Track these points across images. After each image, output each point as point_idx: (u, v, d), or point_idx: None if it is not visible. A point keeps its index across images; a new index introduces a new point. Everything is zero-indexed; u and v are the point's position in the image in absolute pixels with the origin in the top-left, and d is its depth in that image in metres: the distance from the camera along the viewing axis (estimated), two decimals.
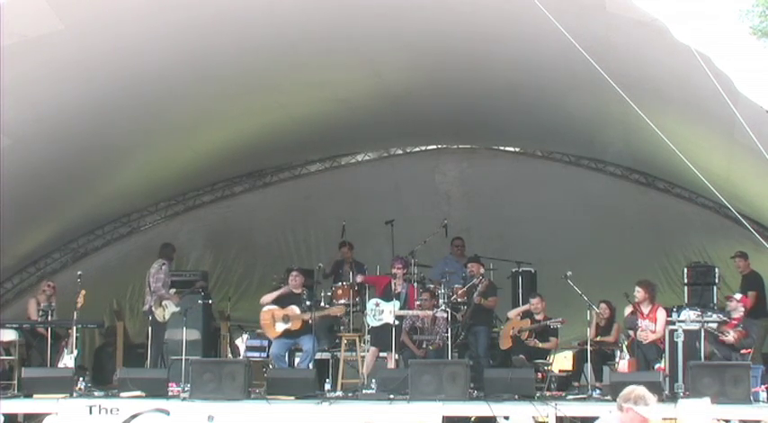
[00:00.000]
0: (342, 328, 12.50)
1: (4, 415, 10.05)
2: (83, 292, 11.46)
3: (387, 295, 11.92)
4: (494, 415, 9.80)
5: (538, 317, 12.16)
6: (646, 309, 11.16)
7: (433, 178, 16.11)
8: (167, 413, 9.79)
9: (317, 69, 11.14)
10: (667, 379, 10.42)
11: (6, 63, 8.89)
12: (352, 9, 9.73)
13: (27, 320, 12.46)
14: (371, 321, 11.70)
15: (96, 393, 10.85)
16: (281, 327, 11.51)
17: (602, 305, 12.47)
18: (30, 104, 10.15)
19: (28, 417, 10.85)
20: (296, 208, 16.08)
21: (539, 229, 15.65)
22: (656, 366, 10.81)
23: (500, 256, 13.79)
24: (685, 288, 13.63)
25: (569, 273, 11.53)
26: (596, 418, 10.15)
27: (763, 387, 10.30)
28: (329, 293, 12.57)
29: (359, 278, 12.59)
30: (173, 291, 11.88)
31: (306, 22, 9.82)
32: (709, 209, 14.90)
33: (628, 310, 11.37)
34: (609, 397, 10.21)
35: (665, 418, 9.30)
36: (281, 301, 11.61)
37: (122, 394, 10.34)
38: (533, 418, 9.92)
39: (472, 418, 10.70)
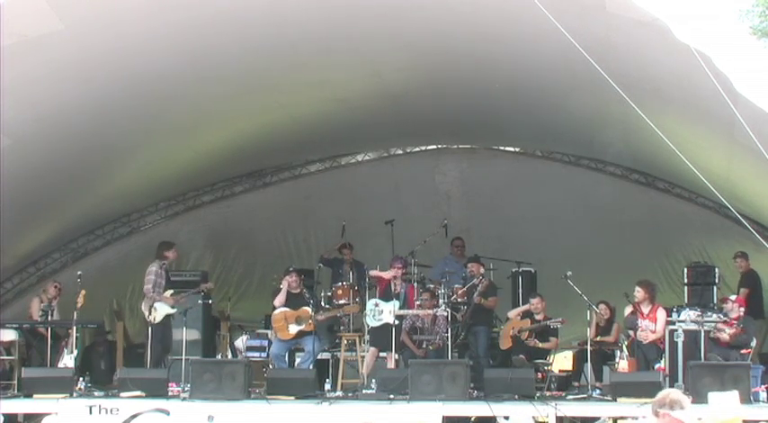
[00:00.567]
0: (342, 328, 12.50)
1: (4, 415, 10.05)
2: (83, 292, 11.46)
3: (386, 295, 11.92)
4: (494, 415, 9.80)
5: (538, 317, 12.16)
6: (646, 309, 11.16)
7: (433, 178, 16.11)
8: (167, 413, 9.79)
9: (317, 69, 11.14)
10: (667, 379, 10.42)
11: (6, 63, 8.89)
12: (352, 9, 9.73)
13: (27, 320, 12.46)
14: (371, 322, 11.70)
15: (96, 393, 10.84)
16: (294, 328, 11.54)
17: (602, 305, 12.48)
18: (30, 104, 10.15)
19: (28, 417, 10.85)
20: (296, 208, 16.08)
21: (539, 229, 15.66)
22: (656, 366, 10.81)
23: (500, 256, 13.79)
24: (685, 288, 13.64)
25: (569, 273, 11.53)
26: (597, 418, 10.24)
27: (763, 387, 10.30)
28: (329, 293, 12.58)
29: (372, 273, 12.50)
30: (170, 292, 11.79)
31: (306, 22, 9.81)
32: (709, 209, 14.90)
33: (628, 310, 11.37)
34: (609, 397, 10.22)
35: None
36: (291, 303, 11.62)
37: (122, 394, 10.33)
38: (533, 418, 9.92)
39: (472, 418, 10.70)
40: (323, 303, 12.31)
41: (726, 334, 10.77)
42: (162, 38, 9.78)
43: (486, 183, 15.90)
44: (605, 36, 9.09)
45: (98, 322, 12.99)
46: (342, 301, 12.15)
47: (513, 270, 13.85)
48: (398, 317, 11.52)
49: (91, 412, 9.94)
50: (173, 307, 11.71)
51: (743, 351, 10.83)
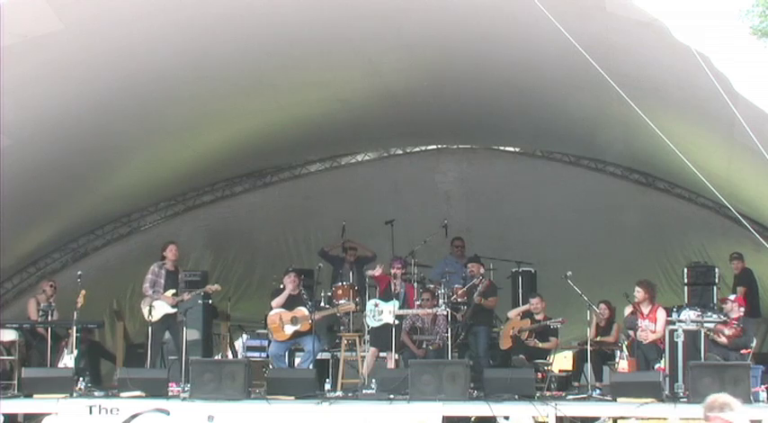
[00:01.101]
0: (342, 328, 12.51)
1: (4, 415, 10.04)
2: (83, 292, 11.45)
3: (386, 295, 11.92)
4: (494, 415, 9.79)
5: (538, 317, 12.16)
6: (646, 309, 11.16)
7: (433, 178, 16.11)
8: (167, 413, 9.78)
9: (317, 69, 11.15)
10: (667, 379, 10.42)
11: (6, 63, 8.89)
12: (351, 9, 9.73)
13: (27, 320, 12.45)
14: (371, 322, 11.70)
15: (96, 393, 10.84)
16: (289, 329, 11.53)
17: (602, 305, 12.47)
18: (30, 104, 10.15)
19: (28, 417, 10.84)
20: (296, 208, 16.08)
21: (539, 229, 15.66)
22: (656, 366, 10.80)
23: (500, 256, 13.80)
24: (685, 288, 13.64)
25: (569, 273, 11.53)
26: (597, 418, 10.24)
27: (763, 387, 10.29)
28: (329, 293, 12.58)
29: (371, 272, 12.49)
30: (171, 291, 11.78)
31: (306, 23, 9.81)
32: (709, 209, 14.91)
33: (628, 310, 11.37)
34: (609, 397, 10.22)
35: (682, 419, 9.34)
36: (287, 304, 11.62)
37: (122, 394, 10.32)
38: (533, 418, 9.92)
39: (472, 418, 10.70)
40: (323, 303, 12.30)
41: (724, 338, 10.77)
42: (162, 38, 9.78)
43: (486, 183, 15.90)
44: (605, 36, 9.09)
45: (98, 322, 12.97)
46: (342, 301, 12.15)
47: (513, 270, 13.86)
48: (398, 317, 11.52)
49: (91, 412, 9.93)
50: (173, 307, 11.70)
51: (743, 351, 10.82)
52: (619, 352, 11.29)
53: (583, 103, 11.65)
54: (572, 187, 15.59)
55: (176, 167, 14.03)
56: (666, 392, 10.09)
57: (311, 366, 11.37)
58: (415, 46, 10.63)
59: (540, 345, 12.00)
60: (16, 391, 10.94)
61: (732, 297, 11.50)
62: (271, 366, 12.12)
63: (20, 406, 10.47)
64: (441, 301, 11.62)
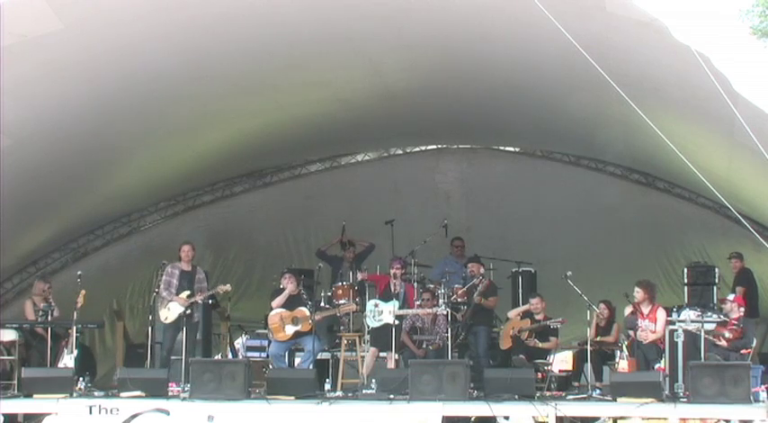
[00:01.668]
0: (342, 328, 12.51)
1: (4, 415, 10.04)
2: (83, 292, 11.45)
3: (386, 295, 11.92)
4: (494, 415, 9.80)
5: (538, 317, 12.16)
6: (646, 309, 11.16)
7: (433, 178, 16.12)
8: (167, 413, 9.78)
9: (317, 69, 11.15)
10: (667, 379, 10.43)
11: (6, 63, 8.89)
12: (352, 9, 9.73)
13: (27, 320, 12.44)
14: (371, 322, 11.70)
15: (96, 393, 10.84)
16: (290, 329, 11.53)
17: (602, 305, 12.47)
18: (30, 104, 10.15)
19: (28, 417, 10.83)
20: (296, 208, 16.09)
21: (539, 229, 15.67)
22: (656, 366, 10.81)
23: (500, 256, 13.81)
24: (685, 288, 13.64)
25: (569, 273, 11.53)
26: (597, 418, 10.24)
27: (763, 387, 10.28)
28: (329, 293, 12.58)
29: (359, 276, 12.56)
30: (186, 293, 11.75)
31: (306, 23, 9.81)
32: (709, 209, 14.92)
33: (628, 310, 11.37)
34: (609, 397, 10.22)
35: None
36: (288, 304, 11.62)
37: (122, 394, 10.32)
38: (533, 418, 9.93)
39: (472, 418, 10.69)
40: (323, 304, 12.30)
41: (724, 341, 10.76)
42: (162, 38, 9.78)
43: (486, 183, 15.91)
44: (605, 36, 9.09)
45: (98, 322, 12.97)
46: (342, 302, 12.15)
47: (513, 270, 13.87)
48: (398, 317, 11.52)
49: (91, 412, 9.92)
50: (186, 308, 11.67)
51: (743, 351, 10.82)
52: (619, 352, 11.29)
53: (583, 103, 11.65)
54: (572, 187, 15.60)
55: (176, 167, 14.03)
56: (666, 392, 10.09)
57: (311, 366, 11.37)
58: (416, 46, 10.63)
59: (540, 345, 12.00)
60: (16, 391, 10.94)
61: (731, 297, 11.48)
62: (271, 366, 12.12)
63: (20, 406, 10.46)
64: (441, 301, 11.62)
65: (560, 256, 14.90)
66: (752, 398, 9.71)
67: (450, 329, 11.39)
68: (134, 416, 9.73)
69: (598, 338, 12.29)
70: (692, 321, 10.74)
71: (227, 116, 12.40)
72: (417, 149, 16.18)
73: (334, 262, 13.65)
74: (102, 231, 15.21)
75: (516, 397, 10.14)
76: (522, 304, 12.87)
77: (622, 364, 10.86)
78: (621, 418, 10.45)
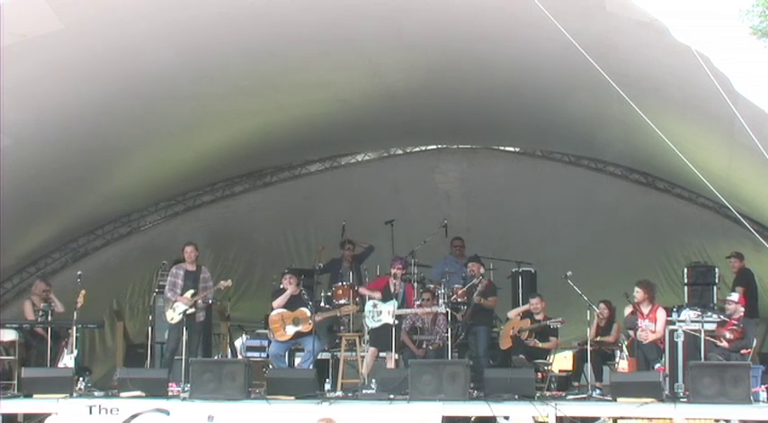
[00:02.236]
0: (342, 328, 12.50)
1: (3, 415, 10.05)
2: (83, 292, 11.45)
3: (385, 295, 11.91)
4: (494, 415, 9.80)
5: (538, 317, 12.15)
6: (646, 309, 11.16)
7: (433, 178, 16.11)
8: (167, 413, 9.78)
9: (317, 70, 11.15)
10: (667, 379, 10.43)
11: (6, 63, 8.89)
12: (352, 9, 9.73)
13: (27, 320, 12.45)
14: (370, 323, 11.71)
15: (96, 393, 10.84)
16: (291, 330, 11.53)
17: (602, 305, 12.47)
18: (30, 104, 10.15)
19: (28, 417, 10.84)
20: (296, 208, 16.08)
21: (539, 229, 15.67)
22: (656, 366, 10.81)
23: (500, 256, 13.81)
24: (685, 288, 13.64)
25: (569, 273, 11.53)
26: (597, 418, 10.24)
27: (763, 387, 10.29)
28: (329, 293, 12.58)
29: (361, 290, 12.47)
30: (190, 292, 11.74)
31: (306, 23, 9.82)
32: (710, 209, 14.91)
33: (628, 310, 11.37)
34: (609, 397, 10.22)
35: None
36: (289, 304, 11.62)
37: (122, 394, 10.32)
38: (533, 418, 9.92)
39: (472, 418, 10.69)
40: (323, 304, 12.30)
41: (725, 342, 10.77)
42: (162, 38, 9.79)
43: (486, 183, 15.90)
44: (605, 36, 9.09)
45: (98, 322, 12.97)
46: (342, 302, 12.15)
47: (513, 270, 13.86)
48: (398, 317, 11.52)
49: (91, 412, 9.93)
50: (190, 307, 11.66)
51: (743, 351, 10.82)
52: (619, 352, 11.29)
53: (583, 103, 11.65)
54: (572, 187, 15.59)
55: (176, 167, 14.03)
56: (666, 392, 10.10)
57: (311, 366, 11.38)
58: (416, 46, 10.63)
59: (540, 345, 12.00)
60: (16, 391, 10.94)
61: (733, 297, 11.46)
62: (271, 366, 12.12)
63: (20, 406, 10.46)
64: (441, 300, 11.62)
65: (560, 256, 14.89)
66: (752, 398, 9.72)
67: (450, 329, 11.39)
68: (134, 416, 9.74)
69: (598, 338, 12.29)
70: (692, 321, 10.74)
71: (228, 116, 12.41)
72: (417, 149, 16.18)
73: (334, 264, 13.63)
74: (102, 231, 15.22)
75: (516, 397, 10.15)
76: (522, 304, 12.86)
77: (622, 364, 10.86)
78: (621, 417, 10.46)
